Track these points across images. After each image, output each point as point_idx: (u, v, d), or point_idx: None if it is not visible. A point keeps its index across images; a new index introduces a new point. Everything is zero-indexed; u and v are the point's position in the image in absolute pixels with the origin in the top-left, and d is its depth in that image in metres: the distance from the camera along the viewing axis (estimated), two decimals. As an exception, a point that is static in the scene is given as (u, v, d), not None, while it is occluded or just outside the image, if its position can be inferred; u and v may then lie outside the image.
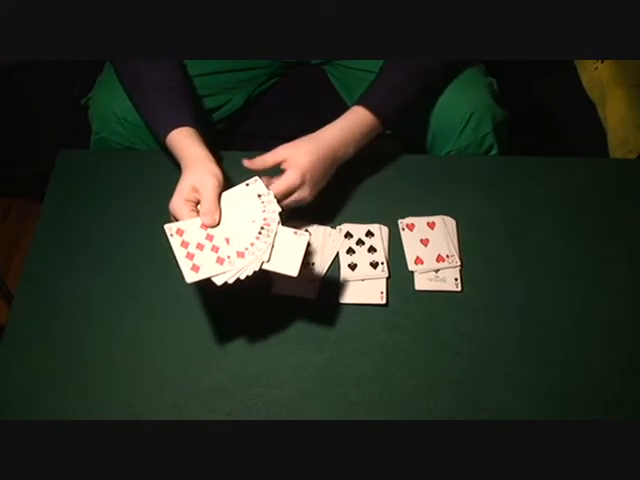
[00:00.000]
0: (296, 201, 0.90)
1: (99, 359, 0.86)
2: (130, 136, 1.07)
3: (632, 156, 1.28)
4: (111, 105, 1.06)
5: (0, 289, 1.36)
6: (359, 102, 0.97)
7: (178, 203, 0.85)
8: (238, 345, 0.87)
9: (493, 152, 1.08)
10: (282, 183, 0.88)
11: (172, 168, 1.05)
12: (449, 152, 1.06)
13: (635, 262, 0.94)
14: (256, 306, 0.90)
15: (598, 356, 0.86)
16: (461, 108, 1.03)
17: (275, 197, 0.86)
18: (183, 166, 0.91)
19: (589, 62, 1.42)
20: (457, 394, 0.83)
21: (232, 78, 1.15)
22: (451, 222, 0.96)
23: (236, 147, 1.22)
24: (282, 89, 1.24)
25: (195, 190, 0.86)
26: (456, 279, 0.91)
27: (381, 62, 1.02)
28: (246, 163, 0.91)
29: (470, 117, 1.03)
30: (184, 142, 0.93)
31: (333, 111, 1.23)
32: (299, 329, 0.88)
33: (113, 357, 0.86)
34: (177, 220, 0.85)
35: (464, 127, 1.04)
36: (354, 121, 0.95)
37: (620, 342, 0.87)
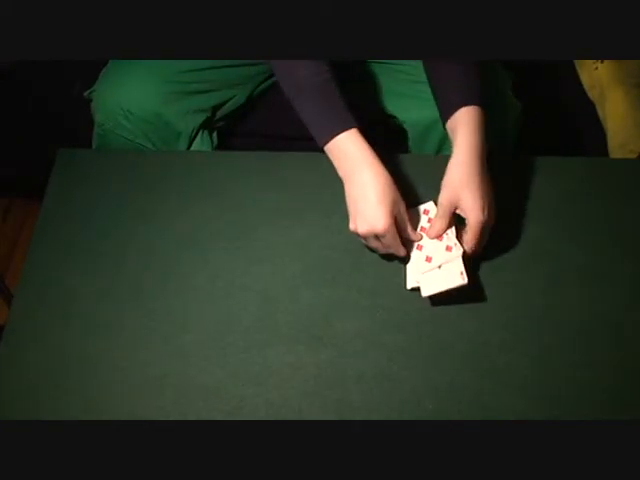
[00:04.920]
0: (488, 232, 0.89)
1: (99, 359, 0.86)
2: (134, 129, 1.07)
3: (632, 156, 1.28)
4: (116, 97, 1.06)
5: (0, 289, 1.36)
6: (454, 109, 0.91)
7: (393, 229, 0.87)
8: (238, 344, 0.87)
9: (510, 144, 1.08)
10: (476, 234, 0.87)
11: (172, 168, 1.05)
12: None
13: (635, 262, 0.94)
14: (256, 305, 0.90)
15: (599, 356, 0.86)
16: None
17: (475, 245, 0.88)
18: (360, 173, 0.88)
19: (589, 62, 1.42)
20: (457, 394, 0.83)
21: (238, 73, 1.15)
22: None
23: (236, 147, 1.22)
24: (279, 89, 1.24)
25: (397, 209, 0.87)
26: (462, 272, 0.88)
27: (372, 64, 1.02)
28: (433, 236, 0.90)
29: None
30: (353, 147, 0.89)
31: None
32: (299, 329, 0.88)
33: (113, 357, 0.86)
34: (378, 240, 0.88)
35: None
36: (467, 122, 0.90)
37: (620, 342, 0.87)
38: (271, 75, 1.21)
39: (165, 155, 1.09)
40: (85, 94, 1.11)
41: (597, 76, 1.38)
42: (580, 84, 1.43)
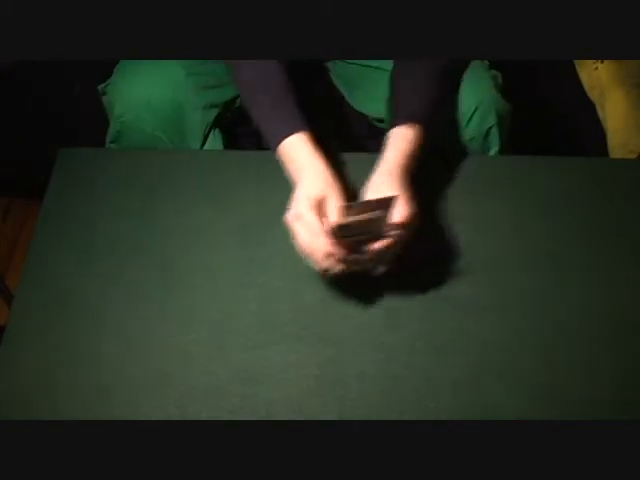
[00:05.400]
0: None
1: (99, 358, 0.86)
2: (153, 121, 1.06)
3: (632, 156, 1.28)
4: (135, 88, 1.05)
5: (0, 289, 1.36)
6: (394, 123, 0.92)
7: (313, 211, 0.83)
8: (239, 343, 0.87)
9: (496, 146, 1.08)
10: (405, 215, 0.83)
11: (172, 168, 1.05)
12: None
13: (636, 262, 0.94)
14: (257, 305, 0.90)
15: (599, 356, 0.86)
16: (465, 102, 1.03)
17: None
18: (302, 179, 0.89)
19: (589, 62, 1.42)
20: (458, 394, 0.83)
21: None
22: None
23: (237, 146, 1.22)
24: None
25: (326, 201, 0.85)
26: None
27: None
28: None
29: (475, 111, 1.03)
30: (293, 153, 0.91)
31: (333, 109, 1.24)
32: (300, 328, 0.88)
33: (113, 356, 0.86)
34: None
35: (469, 121, 1.04)
36: (402, 140, 0.91)
37: (621, 342, 0.87)
38: None
39: (165, 155, 1.09)
40: (100, 88, 1.10)
41: (597, 76, 1.38)
42: (580, 84, 1.43)
